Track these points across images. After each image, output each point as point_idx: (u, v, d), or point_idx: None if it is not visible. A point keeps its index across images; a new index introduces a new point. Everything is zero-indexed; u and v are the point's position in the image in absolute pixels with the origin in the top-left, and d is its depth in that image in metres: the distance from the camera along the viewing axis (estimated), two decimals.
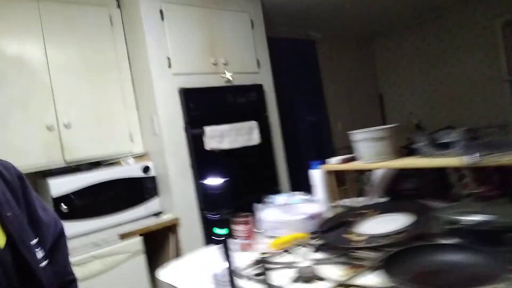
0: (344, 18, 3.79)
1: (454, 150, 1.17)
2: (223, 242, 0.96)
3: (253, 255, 1.31)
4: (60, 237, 0.86)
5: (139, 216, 2.32)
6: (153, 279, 2.24)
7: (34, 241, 0.68)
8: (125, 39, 2.47)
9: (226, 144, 2.43)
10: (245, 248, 1.34)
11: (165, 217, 2.31)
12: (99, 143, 2.34)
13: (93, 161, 2.35)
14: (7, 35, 2.08)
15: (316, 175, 1.56)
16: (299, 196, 1.58)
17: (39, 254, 0.68)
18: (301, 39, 3.95)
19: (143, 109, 2.46)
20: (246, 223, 1.34)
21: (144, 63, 2.33)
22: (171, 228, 2.33)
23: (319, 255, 1.15)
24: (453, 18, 4.02)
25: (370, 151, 1.35)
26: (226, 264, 0.96)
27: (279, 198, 1.56)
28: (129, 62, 2.49)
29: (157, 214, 2.38)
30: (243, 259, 1.28)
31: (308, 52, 4.03)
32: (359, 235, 1.20)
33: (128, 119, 2.47)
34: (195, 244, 2.37)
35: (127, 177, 2.32)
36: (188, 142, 2.38)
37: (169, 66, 2.35)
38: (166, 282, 1.19)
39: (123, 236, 2.09)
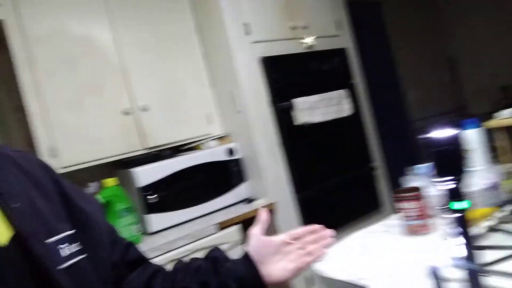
0: None
1: None
2: (461, 220, 0.66)
3: (430, 240, 1.01)
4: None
5: (228, 203, 2.08)
6: None
7: (61, 236, 0.56)
8: (193, 9, 2.21)
9: (317, 117, 2.14)
10: (417, 231, 1.05)
11: (259, 202, 2.05)
12: (176, 126, 2.11)
13: (172, 146, 2.11)
14: (72, 15, 1.86)
15: (473, 136, 1.23)
16: None
17: (65, 251, 0.55)
18: (366, 1, 3.57)
19: (220, 86, 2.20)
20: (417, 198, 1.04)
21: (220, 32, 2.06)
22: None
23: None
24: None
25: None
26: (464, 254, 0.66)
27: (427, 167, 1.25)
28: (201, 35, 2.22)
29: (247, 200, 2.12)
30: (418, 246, 0.99)
31: (375, 15, 3.64)
32: None
33: (204, 98, 2.22)
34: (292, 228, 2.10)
35: (212, 161, 2.08)
36: (275, 118, 2.10)
37: (247, 33, 2.07)
38: (339, 280, 0.91)
39: (222, 226, 1.85)
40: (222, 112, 2.23)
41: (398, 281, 0.83)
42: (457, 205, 0.66)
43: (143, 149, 1.98)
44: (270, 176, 2.07)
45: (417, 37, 4.13)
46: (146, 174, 1.84)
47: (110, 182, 1.69)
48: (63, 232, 0.57)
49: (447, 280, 0.75)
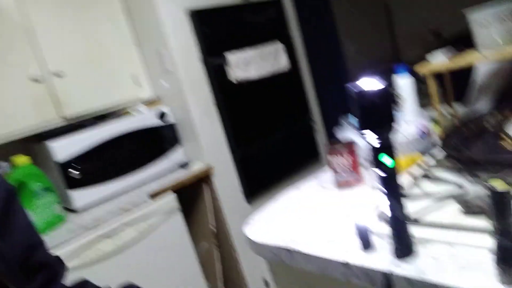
0: None
1: None
2: (389, 176, 0.61)
3: (360, 193, 0.99)
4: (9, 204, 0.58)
5: (163, 170, 1.96)
6: (194, 239, 1.94)
7: None
8: None
9: (253, 72, 2.03)
10: (347, 184, 1.01)
11: (196, 167, 1.95)
12: (100, 92, 1.91)
13: (96, 115, 1.92)
14: None
15: (404, 82, 1.20)
16: None
17: None
18: None
19: (146, 44, 2.00)
20: (350, 152, 0.99)
21: None
22: (203, 179, 1.99)
23: (470, 180, 0.83)
24: None
25: (505, 34, 0.98)
26: (395, 207, 0.62)
27: None
28: None
29: (183, 165, 2.02)
30: (349, 200, 0.95)
31: None
32: None
33: (129, 59, 2.02)
34: (233, 193, 2.05)
35: (142, 127, 1.93)
36: (209, 76, 1.97)
37: None
38: (270, 245, 0.85)
39: (154, 196, 1.74)
40: (150, 73, 2.05)
41: (328, 241, 0.78)
42: (384, 158, 0.60)
43: (61, 120, 1.78)
44: (207, 139, 1.97)
45: None
46: (64, 148, 1.66)
47: (22, 160, 1.49)
48: None
49: (374, 235, 0.71)
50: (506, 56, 1.01)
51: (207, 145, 1.97)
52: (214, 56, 1.95)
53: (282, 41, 2.21)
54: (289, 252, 0.80)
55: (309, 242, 0.80)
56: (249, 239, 0.92)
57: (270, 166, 2.16)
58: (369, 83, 0.59)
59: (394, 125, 0.60)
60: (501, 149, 0.87)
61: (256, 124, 2.14)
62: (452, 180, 0.84)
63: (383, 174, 0.61)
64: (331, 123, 2.93)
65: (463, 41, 1.22)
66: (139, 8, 1.93)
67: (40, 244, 0.63)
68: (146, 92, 2.07)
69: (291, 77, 2.30)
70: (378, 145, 0.61)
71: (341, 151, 1.00)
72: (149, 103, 2.07)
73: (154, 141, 1.96)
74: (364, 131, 0.61)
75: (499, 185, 0.48)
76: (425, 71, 1.16)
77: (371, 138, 0.61)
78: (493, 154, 0.86)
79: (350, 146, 0.99)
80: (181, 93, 1.92)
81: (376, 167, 0.62)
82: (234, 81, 1.98)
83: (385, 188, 0.62)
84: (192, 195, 2.05)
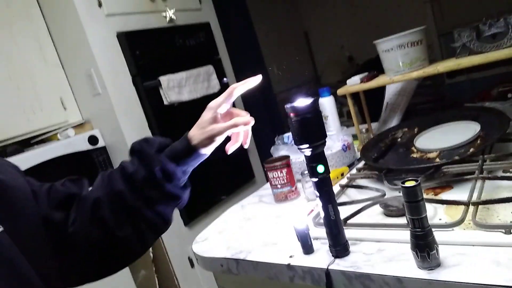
0: None
1: (508, 39, 1.04)
2: (322, 181, 0.70)
3: (297, 204, 1.08)
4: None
5: None
6: (132, 268, 1.89)
7: None
8: None
9: (186, 95, 2.07)
10: (285, 197, 1.10)
11: None
12: (23, 116, 1.81)
13: (19, 139, 1.81)
14: None
15: (328, 103, 1.35)
16: None
17: None
18: None
19: (73, 65, 1.94)
20: (284, 166, 1.09)
21: (67, 5, 1.80)
22: None
23: (388, 185, 0.97)
24: None
25: (405, 58, 1.17)
26: (325, 210, 0.71)
27: None
28: (40, 8, 1.91)
29: None
30: (287, 211, 1.05)
31: None
32: (423, 152, 1.04)
33: (54, 81, 1.94)
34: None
35: (71, 152, 1.86)
36: (141, 98, 1.97)
37: (100, 4, 1.86)
38: (215, 257, 0.90)
39: None
40: (77, 95, 1.99)
41: (272, 248, 0.86)
42: (318, 168, 0.70)
43: None
44: None
45: (276, 12, 4.34)
46: None
47: None
48: None
49: (312, 238, 0.80)
50: (407, 77, 1.19)
51: None
52: (147, 78, 1.97)
53: (213, 64, 2.29)
54: (237, 262, 0.86)
55: (255, 251, 0.87)
56: (198, 255, 0.96)
57: (206, 188, 2.19)
58: (300, 101, 0.68)
59: (324, 137, 0.70)
60: (411, 158, 1.03)
61: None
62: (373, 187, 0.97)
63: (317, 181, 0.70)
64: (263, 144, 3.07)
65: (372, 65, 1.40)
66: (66, 28, 1.89)
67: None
68: (74, 115, 2.00)
69: None
70: (311, 156, 0.70)
71: (277, 166, 1.09)
72: (78, 126, 2.00)
73: (86, 167, 1.90)
74: (300, 144, 0.70)
75: (410, 183, 0.60)
76: (344, 92, 1.31)
77: (306, 149, 0.70)
78: (405, 163, 1.02)
79: (284, 161, 1.09)
80: (113, 115, 1.90)
81: (311, 175, 0.71)
82: (167, 103, 2.00)
83: (320, 193, 0.71)
84: None
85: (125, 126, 1.91)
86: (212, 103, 0.74)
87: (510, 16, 1.05)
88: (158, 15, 2.12)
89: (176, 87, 2.02)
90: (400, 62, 1.19)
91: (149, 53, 2.00)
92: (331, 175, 1.11)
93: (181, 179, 0.71)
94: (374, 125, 1.50)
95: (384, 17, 4.16)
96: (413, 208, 0.60)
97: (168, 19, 2.15)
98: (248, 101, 2.70)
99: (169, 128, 2.05)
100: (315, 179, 0.70)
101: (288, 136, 1.36)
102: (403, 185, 0.60)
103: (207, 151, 0.73)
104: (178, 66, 2.09)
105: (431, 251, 0.61)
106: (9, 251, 0.51)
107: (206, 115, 0.74)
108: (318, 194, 0.71)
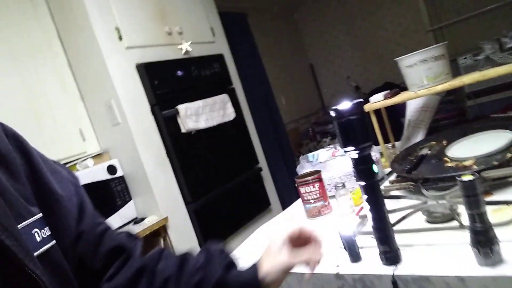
0: None
1: None
2: (369, 185, 0.70)
3: (331, 219, 1.07)
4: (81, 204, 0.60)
5: (115, 227, 1.87)
6: None
7: (30, 220, 0.48)
8: (51, 15, 1.96)
9: (203, 123, 2.09)
10: (318, 212, 1.09)
11: (149, 220, 1.90)
12: (43, 147, 1.81)
13: None
14: None
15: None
16: (337, 149, 1.36)
17: (38, 236, 0.48)
18: (233, 12, 3.70)
19: (93, 97, 1.99)
20: (319, 180, 1.08)
21: (88, 38, 1.87)
22: (158, 233, 1.92)
23: (428, 194, 0.95)
24: None
25: (428, 73, 1.19)
26: (377, 213, 0.70)
27: (322, 154, 1.32)
28: (62, 42, 1.98)
29: (136, 220, 1.95)
30: (323, 225, 1.03)
31: (242, 25, 3.79)
32: (458, 160, 1.03)
33: (74, 112, 1.98)
34: (190, 245, 2.00)
35: (90, 182, 1.85)
36: (159, 127, 1.99)
37: (120, 38, 1.92)
38: None
39: None
40: (96, 126, 2.02)
41: None
42: (374, 167, 0.69)
43: None
44: (160, 190, 1.94)
45: (282, 46, 4.47)
46: None
47: None
48: (33, 216, 0.49)
49: (359, 246, 0.78)
50: (433, 91, 1.21)
51: (161, 197, 1.94)
52: (165, 107, 2.00)
53: (227, 93, 2.33)
54: None
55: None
56: None
57: (224, 215, 2.17)
58: (346, 104, 0.69)
59: (371, 138, 0.69)
60: (446, 168, 1.02)
61: (208, 174, 2.17)
62: (412, 197, 0.96)
63: (365, 184, 0.70)
64: (276, 171, 3.06)
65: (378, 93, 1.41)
66: (87, 62, 1.94)
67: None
68: (93, 146, 2.01)
69: (237, 127, 2.41)
70: (357, 157, 0.69)
71: (309, 180, 1.08)
72: (96, 156, 2.01)
73: (105, 197, 1.89)
74: (346, 146, 0.70)
75: (467, 177, 0.59)
76: (368, 109, 1.33)
77: (353, 152, 0.69)
78: (441, 172, 1.01)
79: (316, 175, 1.08)
80: (131, 144, 1.91)
81: (358, 178, 0.70)
82: (185, 131, 2.02)
83: (369, 197, 0.70)
84: (146, 249, 1.96)
85: (144, 154, 1.92)
86: (278, 236, 0.67)
87: None
88: (174, 47, 2.19)
89: (193, 115, 2.05)
90: (424, 77, 1.21)
91: (167, 83, 2.05)
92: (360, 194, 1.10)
93: None
94: (397, 142, 1.50)
95: (387, 47, 4.28)
96: (472, 202, 0.59)
97: (184, 51, 2.22)
98: (260, 131, 2.73)
99: (187, 155, 2.06)
100: (363, 183, 0.70)
101: (313, 154, 1.35)
102: (461, 180, 0.59)
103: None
104: (195, 95, 2.13)
105: (493, 247, 0.59)
106: (64, 262, 0.50)
107: (275, 244, 0.66)
108: (367, 198, 0.70)
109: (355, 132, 0.69)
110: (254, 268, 0.63)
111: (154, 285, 0.60)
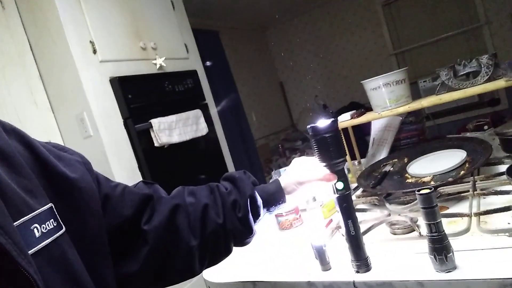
0: (238, 8, 3.79)
1: (481, 77, 1.19)
2: (343, 198, 0.76)
3: (302, 231, 1.12)
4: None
5: None
6: None
7: (30, 216, 0.47)
8: (23, 26, 1.94)
9: (176, 137, 2.12)
10: (290, 225, 1.14)
11: None
12: None
13: None
14: None
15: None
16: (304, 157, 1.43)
17: (38, 231, 0.48)
18: (205, 29, 3.77)
19: (63, 109, 1.97)
20: None
21: (62, 51, 1.86)
22: None
23: (391, 207, 1.03)
24: (338, 2, 4.36)
25: (391, 96, 1.29)
26: (350, 227, 0.76)
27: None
28: (33, 54, 1.96)
29: None
30: (293, 237, 1.08)
31: (214, 43, 3.87)
32: (417, 177, 1.12)
33: (44, 125, 1.95)
34: None
35: None
36: (132, 140, 2.00)
37: (94, 52, 1.93)
38: (230, 282, 0.91)
39: None
40: (68, 138, 1.99)
41: (287, 268, 0.88)
42: (337, 185, 0.75)
43: None
44: None
45: (252, 64, 4.58)
46: None
47: None
48: (34, 210, 0.48)
49: (329, 256, 0.84)
50: (395, 112, 1.31)
51: None
52: (138, 121, 2.01)
53: (200, 108, 2.37)
54: (254, 284, 0.87)
55: (271, 272, 0.89)
56: (210, 282, 0.96)
57: None
58: (322, 122, 0.75)
59: (344, 155, 0.76)
60: (406, 184, 1.11)
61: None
62: (377, 210, 1.03)
63: (337, 197, 0.76)
64: None
65: (345, 112, 1.50)
66: (59, 74, 1.93)
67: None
68: None
69: (209, 142, 2.44)
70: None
71: None
72: None
73: None
74: (321, 162, 0.76)
75: (425, 190, 0.66)
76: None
77: (326, 167, 0.76)
78: (402, 187, 1.09)
79: None
80: (103, 157, 1.90)
81: (334, 191, 0.76)
82: (158, 145, 2.03)
83: (340, 209, 0.76)
84: None
85: (115, 167, 1.91)
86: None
87: (481, 57, 1.20)
88: (148, 62, 2.21)
89: (166, 129, 2.07)
90: (387, 99, 1.31)
91: (141, 97, 2.07)
92: (331, 205, 1.17)
93: (259, 216, 0.75)
94: (363, 159, 1.59)
95: (353, 69, 4.48)
96: (429, 213, 0.67)
97: (158, 66, 2.25)
98: (230, 147, 2.77)
99: (159, 169, 2.07)
100: (337, 195, 0.76)
101: (284, 169, 1.41)
102: (420, 193, 0.67)
103: (289, 197, 0.78)
104: (168, 110, 2.16)
105: (448, 254, 0.67)
106: (69, 255, 0.50)
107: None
108: (338, 210, 0.76)
109: (329, 149, 0.75)
110: (277, 181, 0.78)
111: (195, 214, 0.68)
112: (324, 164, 0.76)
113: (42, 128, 1.93)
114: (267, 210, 0.76)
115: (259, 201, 0.73)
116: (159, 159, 2.08)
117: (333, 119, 0.75)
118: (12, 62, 1.87)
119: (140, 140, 2.01)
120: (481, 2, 3.67)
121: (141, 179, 2.00)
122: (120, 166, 1.93)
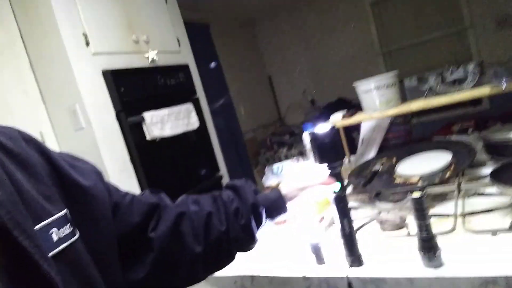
0: (228, 1, 3.80)
1: (467, 84, 1.25)
2: (340, 198, 0.81)
3: (295, 227, 1.17)
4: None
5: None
6: None
7: (48, 221, 0.49)
8: (14, 15, 1.91)
9: (168, 131, 2.13)
10: (284, 220, 1.18)
11: None
12: None
13: None
14: None
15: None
16: (301, 162, 1.47)
17: (55, 235, 0.49)
18: (196, 22, 3.76)
19: (55, 101, 1.95)
20: None
21: (54, 42, 1.84)
22: None
23: (381, 206, 1.09)
24: None
25: (381, 99, 1.34)
26: (345, 226, 0.81)
27: (287, 166, 1.43)
28: (24, 44, 1.94)
29: None
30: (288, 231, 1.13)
31: (205, 36, 3.86)
32: (405, 177, 1.18)
33: (35, 116, 1.94)
34: None
35: None
36: (124, 133, 2.00)
37: (87, 44, 1.92)
38: (227, 276, 0.95)
39: None
40: (59, 130, 1.98)
41: (283, 262, 0.93)
42: (336, 186, 0.80)
43: None
44: None
45: (242, 57, 4.58)
46: None
47: None
48: (52, 216, 0.50)
49: (323, 250, 0.89)
50: (385, 114, 1.36)
51: None
52: (130, 114, 2.01)
53: (191, 102, 2.39)
54: (252, 278, 0.92)
55: (268, 266, 0.93)
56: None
57: None
58: (321, 128, 0.80)
59: (341, 158, 0.81)
60: (395, 184, 1.17)
61: (171, 181, 2.20)
62: (365, 207, 1.09)
63: (334, 197, 0.80)
64: (233, 178, 3.14)
65: (333, 108, 1.56)
66: (51, 66, 1.91)
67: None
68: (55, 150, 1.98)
69: (200, 135, 2.46)
70: (329, 174, 0.80)
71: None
72: None
73: None
74: (320, 165, 0.80)
75: (417, 194, 0.72)
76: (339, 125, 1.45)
77: (326, 169, 0.80)
78: (391, 187, 1.15)
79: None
80: (95, 150, 1.90)
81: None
82: (150, 139, 2.04)
83: (336, 209, 0.81)
84: None
85: (107, 160, 1.92)
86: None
87: (468, 64, 1.26)
88: (141, 55, 2.21)
89: (159, 123, 2.08)
90: (378, 102, 1.36)
91: (133, 90, 2.07)
92: (324, 203, 1.21)
93: (261, 224, 0.78)
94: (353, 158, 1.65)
95: (341, 66, 4.54)
96: (420, 215, 0.72)
97: (150, 60, 2.25)
98: (220, 139, 2.80)
99: (150, 162, 2.08)
100: (334, 195, 0.80)
101: (277, 167, 1.46)
102: (413, 197, 0.72)
103: (292, 203, 0.82)
104: (160, 104, 2.17)
105: (436, 251, 0.72)
106: (83, 259, 0.52)
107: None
108: (335, 209, 0.81)
109: (328, 153, 0.80)
110: (277, 190, 0.81)
111: (199, 222, 0.70)
112: (324, 165, 0.80)
113: (32, 119, 1.92)
114: (269, 217, 0.79)
115: (261, 208, 0.76)
116: (150, 152, 2.09)
117: (332, 126, 0.79)
118: (1, 51, 1.85)
119: (132, 133, 2.01)
120: (467, 5, 3.76)
121: (132, 172, 2.01)
122: (112, 159, 1.94)
